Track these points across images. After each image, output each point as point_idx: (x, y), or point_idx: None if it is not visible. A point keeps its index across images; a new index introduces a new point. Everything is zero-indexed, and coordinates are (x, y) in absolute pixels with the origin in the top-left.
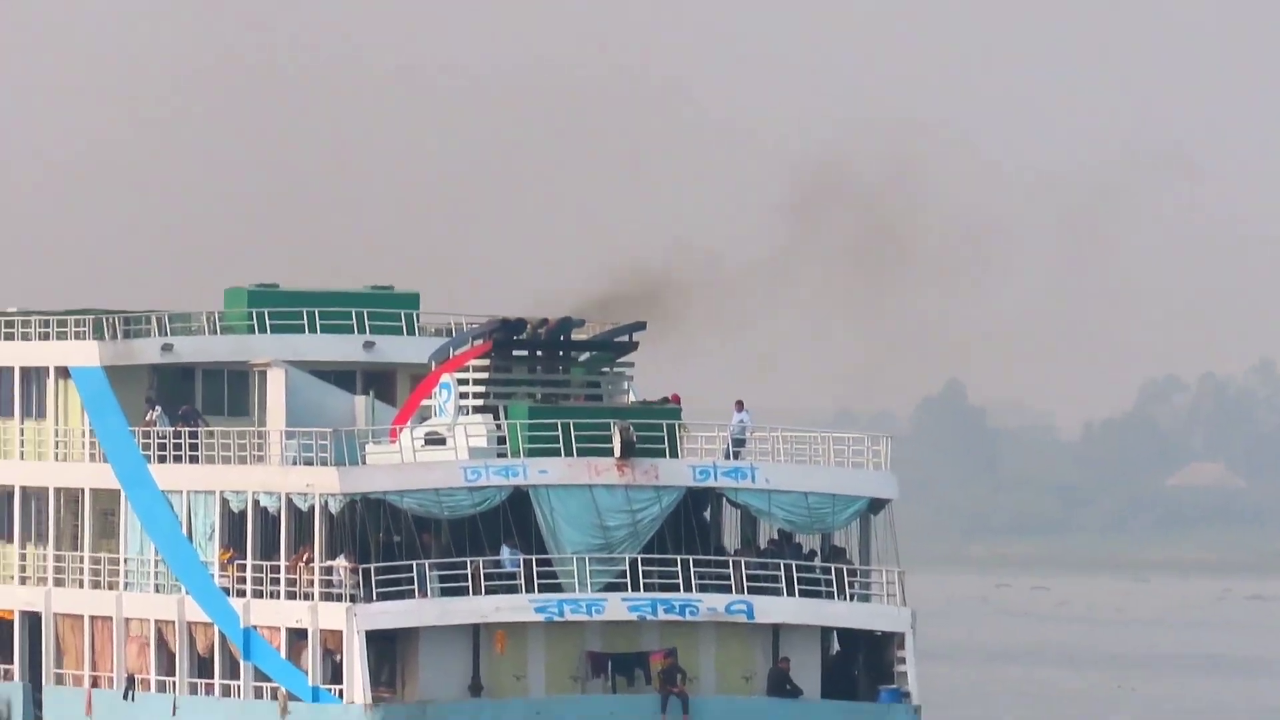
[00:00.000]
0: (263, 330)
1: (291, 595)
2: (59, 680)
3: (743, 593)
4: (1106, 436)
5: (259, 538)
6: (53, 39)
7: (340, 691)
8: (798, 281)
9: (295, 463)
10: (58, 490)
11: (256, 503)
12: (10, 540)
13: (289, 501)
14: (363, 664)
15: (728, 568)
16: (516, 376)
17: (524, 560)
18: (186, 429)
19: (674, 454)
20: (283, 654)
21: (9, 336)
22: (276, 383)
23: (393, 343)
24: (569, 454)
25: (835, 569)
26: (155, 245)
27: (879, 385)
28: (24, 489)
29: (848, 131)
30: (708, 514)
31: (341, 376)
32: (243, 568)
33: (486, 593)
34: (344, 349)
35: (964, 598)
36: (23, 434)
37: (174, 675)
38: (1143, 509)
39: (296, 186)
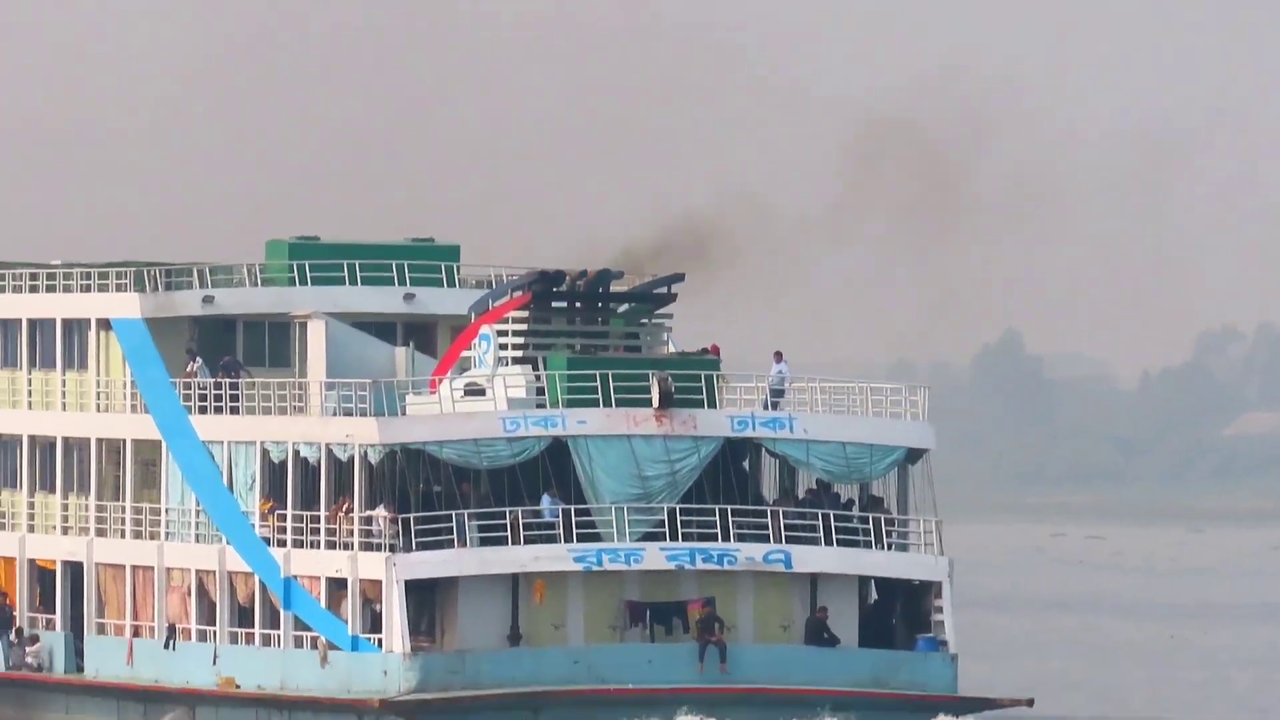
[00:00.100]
0: (303, 282)
1: (331, 545)
2: (100, 630)
3: (781, 542)
4: (1163, 386)
5: (299, 488)
6: None
7: (379, 640)
8: (856, 233)
9: (335, 413)
10: (99, 441)
11: (297, 453)
12: (52, 491)
13: (329, 452)
14: (402, 613)
15: (766, 517)
16: (555, 328)
17: (562, 510)
18: (227, 380)
19: (712, 405)
20: (322, 603)
21: (51, 289)
22: (317, 334)
23: (433, 294)
24: (607, 405)
25: (873, 518)
26: (197, 199)
27: (937, 337)
28: (66, 440)
29: (910, 84)
30: (746, 464)
31: (382, 328)
32: (283, 518)
33: (525, 542)
34: (384, 301)
35: (1020, 547)
36: (65, 385)
37: (214, 625)
38: (1199, 459)
39: (338, 140)
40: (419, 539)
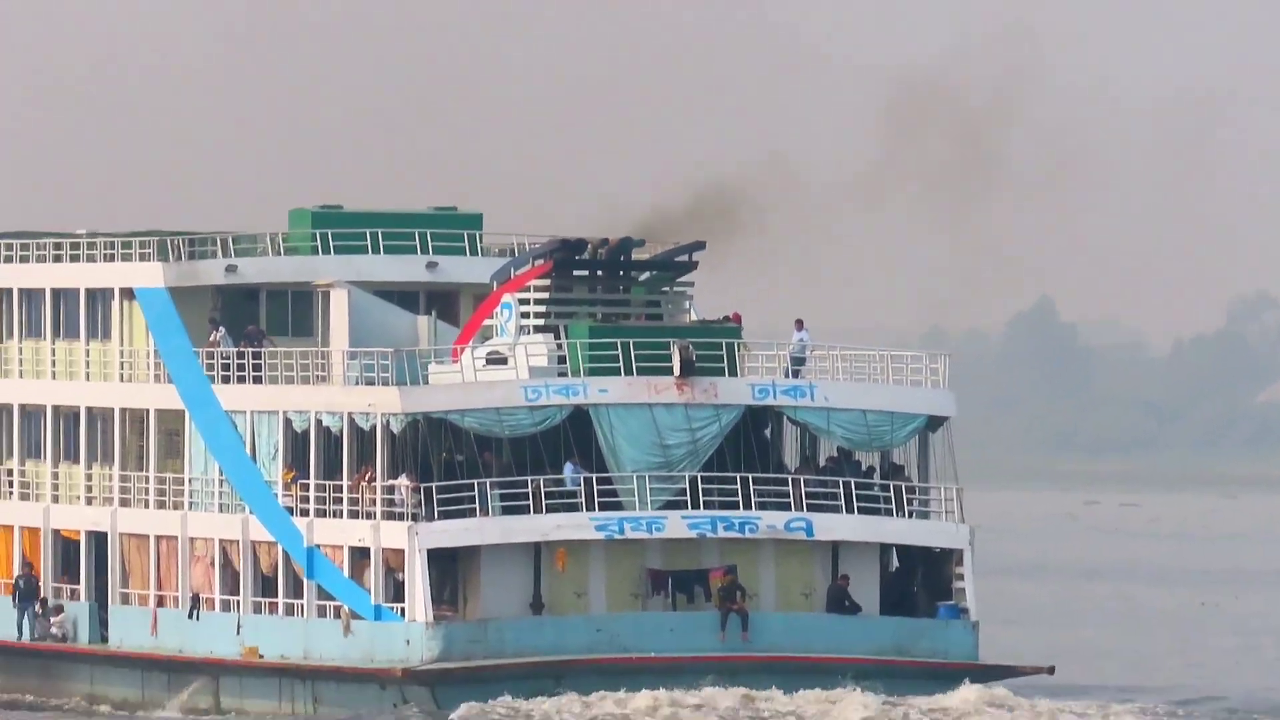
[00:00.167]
0: (326, 251)
1: (354, 514)
2: (124, 600)
3: (802, 510)
4: (1197, 353)
5: (322, 457)
6: None
7: (402, 610)
8: (890, 198)
9: (358, 383)
10: (123, 411)
11: (319, 422)
12: (76, 461)
13: (351, 421)
14: (424, 582)
15: (787, 485)
16: (577, 296)
17: (584, 479)
18: (250, 349)
19: (733, 373)
20: (345, 573)
21: (75, 258)
22: (340, 303)
23: (455, 263)
24: (629, 373)
25: (894, 486)
26: (220, 168)
27: (970, 304)
28: (89, 409)
29: (945, 49)
30: (767, 432)
31: (404, 297)
32: (306, 487)
33: (547, 511)
34: (407, 269)
35: (1053, 514)
36: (88, 355)
37: (238, 594)
38: (1232, 426)
39: (361, 108)
40: (441, 508)
